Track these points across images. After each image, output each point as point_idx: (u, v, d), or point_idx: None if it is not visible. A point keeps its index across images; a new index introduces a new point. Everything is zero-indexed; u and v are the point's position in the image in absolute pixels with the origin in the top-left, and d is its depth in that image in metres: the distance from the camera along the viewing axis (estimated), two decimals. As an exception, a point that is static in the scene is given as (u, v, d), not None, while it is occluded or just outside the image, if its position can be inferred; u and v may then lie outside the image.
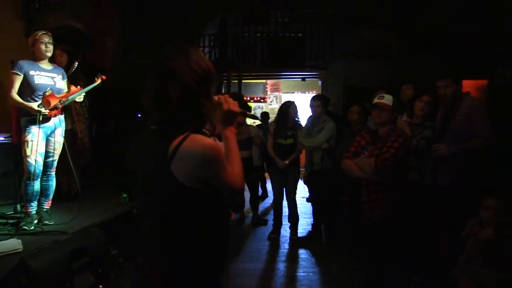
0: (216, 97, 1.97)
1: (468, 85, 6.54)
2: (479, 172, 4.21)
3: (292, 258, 5.71)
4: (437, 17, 9.23)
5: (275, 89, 15.07)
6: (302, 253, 5.85)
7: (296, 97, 13.60)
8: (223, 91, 11.56)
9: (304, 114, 6.52)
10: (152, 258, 1.84)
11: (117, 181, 5.95)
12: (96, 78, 5.00)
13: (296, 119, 6.39)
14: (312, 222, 6.41)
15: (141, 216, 1.90)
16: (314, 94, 7.40)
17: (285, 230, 6.58)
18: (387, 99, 3.72)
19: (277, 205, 6.60)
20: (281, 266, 5.38)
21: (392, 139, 3.59)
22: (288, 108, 6.35)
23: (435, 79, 4.30)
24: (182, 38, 10.30)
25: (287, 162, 6.18)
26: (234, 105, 1.96)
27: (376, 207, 3.55)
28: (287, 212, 6.48)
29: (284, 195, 6.49)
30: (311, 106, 6.06)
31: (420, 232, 4.54)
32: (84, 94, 4.86)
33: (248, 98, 14.89)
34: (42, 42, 4.40)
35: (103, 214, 4.89)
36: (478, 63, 6.99)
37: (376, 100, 3.76)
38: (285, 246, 6.17)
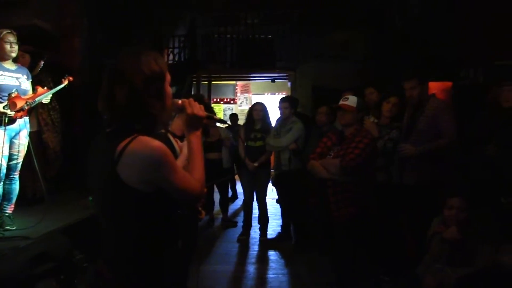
0: (179, 101, 1.96)
1: (434, 87, 6.66)
2: (444, 172, 4.30)
3: (262, 259, 5.71)
4: (404, 20, 9.39)
5: (245, 90, 15.08)
6: (272, 254, 5.86)
7: (266, 98, 13.63)
8: (192, 92, 11.51)
9: (274, 115, 6.53)
10: (109, 260, 1.81)
11: (84, 184, 5.83)
12: (63, 80, 4.90)
13: (268, 121, 6.38)
14: (281, 224, 6.42)
15: (99, 218, 1.87)
16: (283, 96, 7.43)
17: (255, 232, 6.58)
18: (351, 100, 3.77)
19: (246, 206, 6.59)
20: (251, 268, 5.38)
21: (357, 139, 3.64)
22: (251, 109, 6.37)
23: (402, 80, 4.38)
24: (150, 38, 10.23)
25: (256, 164, 6.18)
26: (199, 109, 1.93)
27: (343, 207, 3.59)
28: (257, 213, 6.48)
29: (254, 196, 6.48)
30: (280, 107, 6.07)
31: (388, 232, 4.60)
32: (51, 95, 4.77)
33: (218, 100, 14.86)
34: (7, 42, 4.28)
35: (69, 217, 4.78)
36: (443, 66, 7.12)
37: (340, 102, 3.80)
38: (254, 247, 6.17)
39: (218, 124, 7.57)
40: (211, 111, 3.57)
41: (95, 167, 1.80)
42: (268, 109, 6.43)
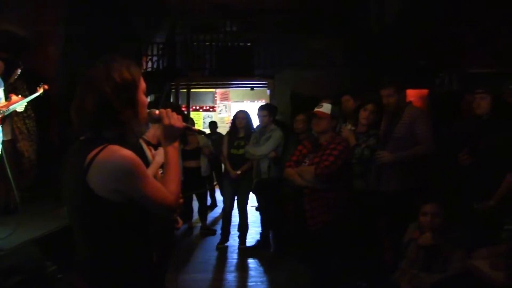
0: (157, 111, 1.95)
1: (411, 94, 6.74)
2: (419, 179, 4.35)
3: (241, 267, 5.70)
4: (381, 28, 9.52)
5: (225, 98, 15.07)
6: (251, 262, 5.85)
7: (245, 106, 13.63)
8: (171, 100, 11.47)
9: (254, 123, 6.52)
10: (82, 271, 1.79)
11: (60, 193, 5.74)
12: (38, 88, 4.84)
13: (251, 128, 6.38)
14: (261, 231, 6.42)
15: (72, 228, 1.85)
16: (262, 103, 7.44)
17: (234, 240, 6.56)
18: (326, 107, 3.79)
19: (226, 214, 6.57)
20: (230, 276, 5.36)
21: (331, 147, 3.66)
22: (235, 118, 6.37)
23: (379, 88, 4.42)
24: (129, 46, 10.18)
25: (239, 172, 6.18)
26: (176, 120, 1.92)
27: (318, 214, 3.60)
28: (237, 221, 6.47)
29: (235, 204, 6.47)
30: (258, 115, 6.09)
31: (365, 238, 4.63)
32: (25, 104, 4.71)
33: (198, 107, 14.82)
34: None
35: (43, 228, 4.70)
36: (419, 73, 7.23)
37: (315, 109, 3.83)
38: (233, 256, 6.15)
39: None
40: (187, 120, 3.55)
41: (67, 177, 1.78)
42: (250, 117, 6.43)
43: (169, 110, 1.95)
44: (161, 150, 3.14)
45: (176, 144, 1.95)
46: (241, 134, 6.29)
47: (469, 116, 4.41)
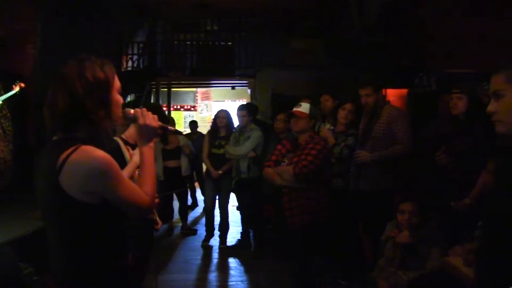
0: (132, 110, 1.93)
1: (391, 94, 6.81)
2: (399, 178, 4.39)
3: (221, 267, 5.70)
4: (361, 29, 9.57)
5: (206, 97, 15.02)
6: (231, 262, 5.84)
7: (226, 105, 13.63)
8: (152, 100, 11.40)
9: (235, 122, 6.52)
10: (55, 274, 1.76)
11: (35, 195, 5.65)
12: (14, 86, 4.76)
13: (232, 128, 6.38)
14: (241, 231, 6.42)
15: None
16: (242, 103, 7.44)
17: (215, 239, 6.56)
18: (304, 107, 3.80)
19: (209, 213, 6.61)
20: (210, 276, 5.36)
21: (310, 146, 3.67)
22: (216, 118, 6.38)
23: (357, 88, 4.45)
24: (108, 45, 10.09)
25: (220, 172, 6.17)
26: (152, 120, 1.90)
27: (297, 214, 3.61)
28: (219, 220, 6.47)
29: (216, 203, 6.48)
30: (238, 115, 6.09)
31: (345, 237, 4.66)
32: (1, 103, 4.62)
33: (179, 107, 14.75)
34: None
35: (20, 230, 4.63)
36: (399, 73, 7.29)
37: (293, 109, 3.83)
38: (214, 255, 6.14)
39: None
40: (166, 120, 3.52)
41: (40, 178, 1.75)
42: (231, 116, 6.43)
43: (144, 109, 1.94)
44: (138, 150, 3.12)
45: (152, 144, 1.93)
46: (222, 134, 6.30)
47: (446, 116, 4.47)
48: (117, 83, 1.82)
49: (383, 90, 4.99)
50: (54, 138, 1.75)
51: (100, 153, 1.66)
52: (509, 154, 1.68)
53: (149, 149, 1.91)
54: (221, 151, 6.20)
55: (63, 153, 1.63)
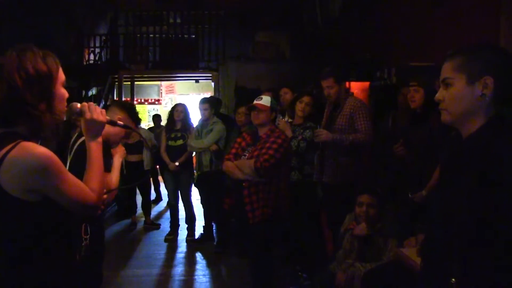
0: (78, 104, 1.88)
1: (355, 87, 6.87)
2: (361, 171, 4.43)
3: (184, 261, 5.70)
4: (325, 22, 9.62)
5: (170, 91, 14.90)
6: (194, 256, 5.83)
7: (191, 98, 13.55)
8: (114, 93, 11.22)
9: (197, 116, 6.51)
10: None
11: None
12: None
13: (188, 121, 6.36)
14: (204, 225, 6.41)
15: None
16: (204, 97, 7.42)
17: (180, 231, 6.58)
18: (265, 100, 3.78)
19: (171, 207, 6.66)
20: (173, 271, 5.33)
21: (271, 140, 3.65)
22: (173, 110, 6.39)
23: (319, 79, 4.46)
24: (69, 36, 9.87)
25: (177, 163, 6.15)
26: (99, 114, 1.86)
27: (257, 207, 3.59)
28: (184, 214, 6.48)
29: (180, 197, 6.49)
30: (200, 109, 6.07)
31: (306, 229, 4.70)
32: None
33: (143, 100, 14.59)
34: None
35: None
36: (362, 66, 7.35)
37: (254, 102, 3.82)
38: (177, 249, 6.13)
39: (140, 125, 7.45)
40: (138, 120, 3.45)
41: None
42: (189, 110, 6.46)
43: (91, 103, 1.89)
44: (118, 150, 3.04)
45: (100, 139, 1.88)
46: (178, 127, 6.32)
47: (405, 108, 4.54)
48: (61, 76, 1.74)
49: (347, 83, 5.01)
50: None
51: (40, 149, 1.59)
52: (452, 146, 1.71)
53: (97, 144, 1.86)
54: (178, 143, 6.24)
55: (2, 149, 1.56)
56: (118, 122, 2.09)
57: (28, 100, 1.61)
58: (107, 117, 1.92)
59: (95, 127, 1.86)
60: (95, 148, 1.85)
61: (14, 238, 1.65)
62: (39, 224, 1.66)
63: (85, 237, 2.67)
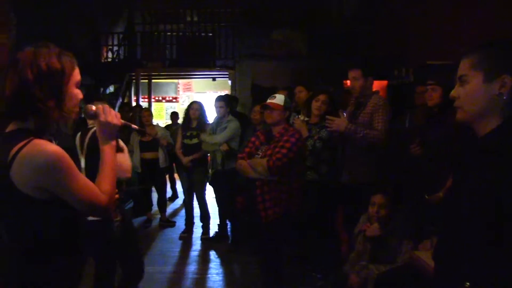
0: (93, 107, 1.86)
1: (374, 85, 6.81)
2: (377, 170, 4.36)
3: (198, 259, 5.69)
4: (341, 20, 9.56)
5: (188, 88, 14.94)
6: (208, 254, 5.82)
7: (208, 96, 13.56)
8: (132, 91, 11.28)
9: (213, 114, 6.49)
10: (6, 273, 1.71)
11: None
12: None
13: (204, 119, 6.34)
14: (219, 223, 6.40)
15: None
16: (220, 94, 7.39)
17: (195, 228, 6.59)
18: (278, 99, 3.73)
19: (186, 205, 6.68)
20: (186, 268, 5.33)
21: (284, 139, 3.60)
22: (188, 108, 6.36)
23: (348, 69, 4.39)
24: (86, 35, 9.94)
25: (190, 158, 6.16)
26: (113, 117, 1.84)
27: (270, 207, 3.56)
28: (199, 212, 6.49)
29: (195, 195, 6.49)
30: (215, 106, 6.04)
31: (321, 230, 4.64)
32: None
33: (160, 98, 14.64)
34: None
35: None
36: (380, 64, 7.28)
37: (267, 101, 3.78)
38: (191, 247, 6.12)
39: (154, 122, 7.48)
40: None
41: None
42: (205, 108, 6.42)
43: (106, 106, 1.87)
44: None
45: (114, 142, 1.86)
46: (194, 125, 6.28)
47: (421, 107, 4.46)
48: (76, 77, 1.74)
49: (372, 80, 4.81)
50: (7, 129, 1.68)
51: (51, 147, 1.60)
52: (466, 146, 1.66)
53: (110, 148, 1.85)
54: (193, 141, 6.20)
55: (15, 147, 1.58)
56: (133, 126, 2.06)
57: (37, 95, 1.61)
58: (122, 121, 1.90)
59: (109, 130, 1.84)
60: (108, 151, 1.84)
61: (22, 234, 1.66)
62: (47, 221, 1.66)
63: (117, 219, 2.71)
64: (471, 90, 1.55)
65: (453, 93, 1.62)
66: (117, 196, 1.94)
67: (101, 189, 1.73)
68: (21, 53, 1.65)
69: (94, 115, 1.84)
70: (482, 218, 1.42)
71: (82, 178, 1.68)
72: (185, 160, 6.20)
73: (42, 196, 1.60)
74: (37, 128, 1.64)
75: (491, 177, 1.41)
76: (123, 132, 5.35)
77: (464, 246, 1.46)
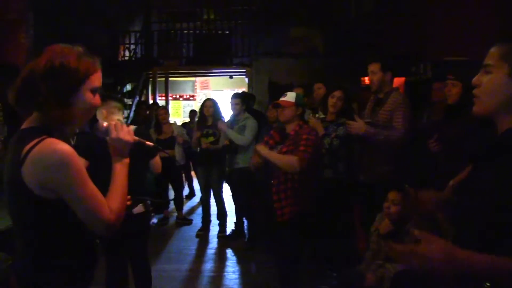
0: (105, 123, 1.83)
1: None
2: (395, 168, 4.29)
3: (214, 257, 5.69)
4: (359, 17, 9.48)
5: (205, 86, 14.96)
6: (225, 252, 5.82)
7: (225, 94, 13.55)
8: (149, 89, 11.33)
9: (230, 111, 6.46)
10: (16, 270, 1.71)
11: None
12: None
13: (219, 116, 6.30)
14: (235, 221, 6.38)
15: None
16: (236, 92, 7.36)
17: (212, 226, 6.59)
18: (289, 96, 3.67)
19: (203, 202, 6.66)
20: (202, 266, 5.33)
21: (304, 137, 3.53)
22: (202, 106, 6.36)
23: (367, 63, 4.34)
24: (103, 34, 10.00)
25: (208, 143, 6.15)
26: (125, 134, 1.79)
27: (286, 205, 3.52)
28: (216, 210, 6.49)
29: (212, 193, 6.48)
30: (231, 103, 6.01)
31: (337, 228, 4.59)
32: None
33: (178, 96, 14.68)
34: None
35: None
36: (397, 61, 7.20)
37: (279, 99, 3.73)
38: (207, 245, 6.11)
39: (171, 120, 7.49)
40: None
41: (6, 169, 1.67)
42: (219, 104, 6.38)
43: (118, 122, 1.84)
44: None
45: (126, 160, 1.81)
46: (209, 122, 6.25)
47: (439, 103, 4.38)
48: (93, 81, 1.68)
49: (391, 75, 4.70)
50: (22, 127, 1.67)
51: (62, 146, 1.57)
52: (484, 142, 1.61)
53: (122, 165, 1.79)
54: (210, 139, 6.17)
55: (27, 145, 1.56)
56: (147, 143, 2.00)
57: (41, 89, 1.59)
58: (135, 137, 1.85)
59: (121, 147, 1.80)
60: (120, 169, 1.79)
61: (32, 234, 1.65)
62: (53, 222, 1.64)
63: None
64: (494, 80, 1.50)
65: (475, 80, 1.56)
66: (129, 202, 1.88)
67: (109, 205, 1.66)
68: (49, 47, 1.64)
69: (106, 132, 1.81)
70: (502, 217, 1.37)
71: (92, 187, 1.62)
72: (205, 143, 6.15)
73: (49, 196, 1.58)
74: (43, 124, 1.63)
75: (509, 173, 1.36)
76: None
77: (482, 243, 1.41)
